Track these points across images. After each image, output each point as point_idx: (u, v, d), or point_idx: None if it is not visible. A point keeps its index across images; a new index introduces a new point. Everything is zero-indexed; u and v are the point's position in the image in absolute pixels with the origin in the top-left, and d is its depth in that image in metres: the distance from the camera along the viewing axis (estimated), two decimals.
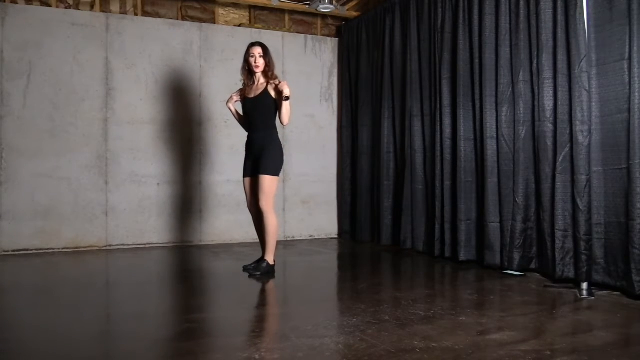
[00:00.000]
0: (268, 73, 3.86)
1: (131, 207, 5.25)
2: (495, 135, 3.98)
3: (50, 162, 4.97)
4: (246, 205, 4.09)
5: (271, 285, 3.70)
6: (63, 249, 5.01)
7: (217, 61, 5.61)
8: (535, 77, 3.68)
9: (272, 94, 3.82)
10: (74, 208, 5.05)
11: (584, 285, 3.25)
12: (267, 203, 3.78)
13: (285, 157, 5.74)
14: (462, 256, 4.20)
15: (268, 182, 3.77)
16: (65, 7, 5.15)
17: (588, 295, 3.15)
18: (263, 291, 3.55)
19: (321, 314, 2.83)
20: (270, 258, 3.87)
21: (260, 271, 3.82)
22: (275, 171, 3.81)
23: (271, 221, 3.80)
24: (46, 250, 4.95)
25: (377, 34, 5.51)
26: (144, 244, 5.29)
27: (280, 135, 5.66)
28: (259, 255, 4.03)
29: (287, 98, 3.71)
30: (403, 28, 5.09)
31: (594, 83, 3.32)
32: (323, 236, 6.10)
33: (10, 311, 3.00)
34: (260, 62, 3.85)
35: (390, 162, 5.24)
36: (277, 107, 3.83)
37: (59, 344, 2.36)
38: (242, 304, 3.19)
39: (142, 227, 5.29)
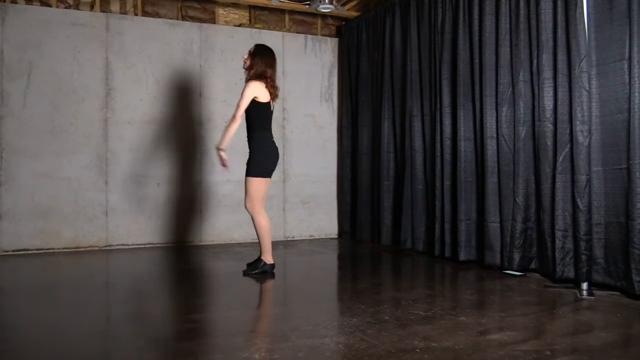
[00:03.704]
0: (250, 71, 3.83)
1: (131, 207, 5.25)
2: (495, 135, 3.98)
3: (50, 162, 4.97)
4: None
5: (271, 285, 3.70)
6: (63, 249, 5.01)
7: (217, 61, 5.61)
8: (535, 77, 3.68)
9: (259, 99, 3.76)
10: (74, 208, 5.05)
11: (584, 285, 3.24)
12: (250, 205, 3.76)
13: (285, 157, 5.84)
14: (462, 256, 4.20)
15: (248, 184, 3.76)
16: (65, 7, 5.15)
17: (588, 295, 3.15)
18: (263, 291, 3.55)
19: (321, 314, 2.83)
20: (266, 257, 3.86)
21: (257, 269, 3.82)
22: (257, 172, 3.75)
23: (258, 222, 3.78)
24: (46, 250, 4.95)
25: (377, 34, 5.51)
26: (144, 244, 5.29)
27: (280, 135, 5.70)
28: (257, 254, 4.04)
29: (219, 149, 3.74)
30: (403, 28, 5.09)
31: (594, 83, 3.32)
32: (323, 236, 6.09)
33: (10, 311, 3.00)
34: (248, 59, 3.84)
35: (390, 162, 5.24)
36: (255, 109, 3.79)
37: (59, 344, 2.36)
38: (242, 304, 3.19)
39: (142, 227, 5.29)
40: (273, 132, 3.93)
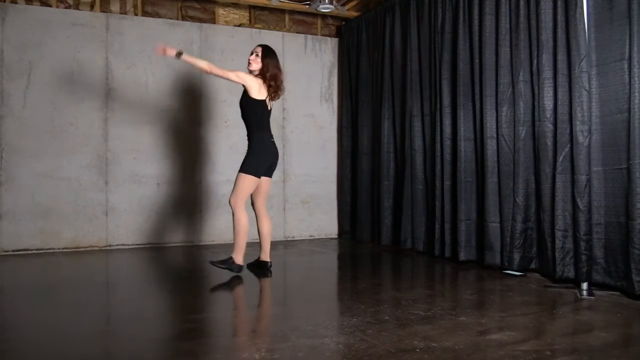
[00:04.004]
0: (266, 75, 3.77)
1: (131, 207, 5.25)
2: (495, 135, 3.98)
3: (50, 162, 4.97)
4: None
5: (271, 285, 3.70)
6: (63, 249, 5.01)
7: (217, 61, 5.59)
8: (535, 77, 3.68)
9: (250, 94, 3.73)
10: (74, 208, 5.05)
11: (584, 285, 3.25)
12: (234, 200, 3.70)
13: (285, 157, 5.84)
14: (462, 256, 4.20)
15: (237, 179, 3.71)
16: (65, 7, 5.16)
17: (588, 295, 3.15)
18: (263, 291, 3.55)
19: (321, 314, 2.83)
20: (236, 257, 3.75)
21: (224, 265, 3.72)
22: (247, 170, 3.70)
23: (237, 218, 3.70)
24: (46, 250, 4.95)
25: (377, 34, 5.51)
26: (144, 244, 5.29)
27: (279, 135, 5.70)
28: (257, 254, 4.04)
29: (179, 54, 3.62)
30: (403, 28, 5.09)
31: (594, 83, 3.32)
32: (323, 236, 6.10)
33: (10, 311, 3.00)
34: (256, 61, 3.79)
35: (390, 162, 5.24)
36: (251, 105, 3.76)
37: (59, 344, 2.35)
38: (242, 304, 3.19)
39: (142, 227, 5.29)
40: (273, 132, 3.91)
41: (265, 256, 3.99)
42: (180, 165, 5.45)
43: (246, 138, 3.88)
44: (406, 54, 4.97)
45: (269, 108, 3.86)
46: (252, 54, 3.85)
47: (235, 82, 3.74)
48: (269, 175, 3.92)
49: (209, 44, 5.59)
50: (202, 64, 3.64)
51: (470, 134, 4.24)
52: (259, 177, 3.77)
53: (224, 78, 3.69)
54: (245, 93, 3.78)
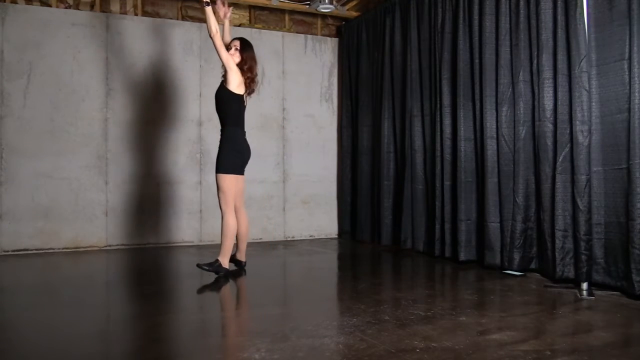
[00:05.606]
0: (244, 67, 3.76)
1: (131, 207, 5.25)
2: (495, 135, 3.98)
3: (50, 162, 4.97)
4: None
5: (271, 285, 3.70)
6: (63, 249, 5.01)
7: (217, 61, 5.56)
8: (535, 77, 3.68)
9: (229, 85, 3.71)
10: (74, 208, 5.05)
11: (584, 285, 3.24)
12: (221, 201, 3.68)
13: (285, 157, 5.84)
14: (462, 256, 4.20)
15: (217, 180, 3.69)
16: (65, 7, 5.16)
17: (588, 295, 3.15)
18: (263, 291, 3.55)
19: (321, 314, 2.83)
20: (223, 260, 3.71)
21: (211, 268, 3.68)
22: (223, 169, 3.67)
23: (225, 220, 3.67)
24: (46, 250, 4.95)
25: (377, 34, 5.51)
26: (144, 244, 5.29)
27: (279, 135, 5.70)
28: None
29: (208, 3, 3.59)
30: (403, 28, 5.09)
31: (594, 83, 3.32)
32: (323, 236, 6.09)
33: (10, 311, 3.00)
34: (236, 55, 3.76)
35: (390, 162, 5.24)
36: (227, 100, 3.74)
37: (59, 344, 2.35)
38: (242, 304, 3.19)
39: (142, 227, 5.28)
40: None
41: (241, 256, 3.97)
42: (180, 165, 5.45)
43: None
44: (406, 54, 4.97)
45: (245, 104, 3.84)
46: (230, 48, 3.80)
47: (222, 61, 3.67)
48: (242, 173, 3.86)
49: (209, 43, 5.56)
50: (213, 27, 3.58)
51: (470, 134, 4.24)
52: (237, 174, 3.74)
53: (216, 50, 3.63)
54: (223, 85, 3.77)
